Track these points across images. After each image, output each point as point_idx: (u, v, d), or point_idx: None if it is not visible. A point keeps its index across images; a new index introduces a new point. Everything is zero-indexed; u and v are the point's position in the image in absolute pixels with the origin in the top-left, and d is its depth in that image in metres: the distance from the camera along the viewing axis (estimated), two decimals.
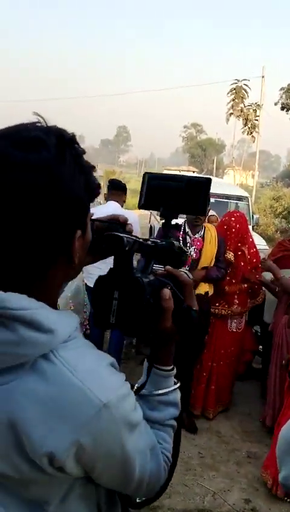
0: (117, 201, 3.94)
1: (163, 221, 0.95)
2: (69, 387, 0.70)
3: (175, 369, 0.92)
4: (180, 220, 3.62)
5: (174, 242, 0.91)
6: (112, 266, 0.83)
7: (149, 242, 0.88)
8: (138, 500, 0.92)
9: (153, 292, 0.81)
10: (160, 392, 0.89)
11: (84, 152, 0.74)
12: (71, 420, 0.70)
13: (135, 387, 0.89)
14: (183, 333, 0.87)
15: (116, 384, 0.74)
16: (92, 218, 0.84)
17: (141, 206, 0.96)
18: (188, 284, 0.88)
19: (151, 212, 11.35)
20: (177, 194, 0.92)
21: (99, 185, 0.78)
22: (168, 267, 0.89)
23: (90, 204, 0.79)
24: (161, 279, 0.85)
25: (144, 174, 0.96)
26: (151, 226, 10.54)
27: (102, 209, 4.00)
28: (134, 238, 0.81)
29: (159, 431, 0.88)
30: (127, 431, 0.75)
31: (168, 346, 0.90)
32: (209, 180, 0.92)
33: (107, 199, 4.21)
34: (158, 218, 8.81)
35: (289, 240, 4.04)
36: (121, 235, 0.79)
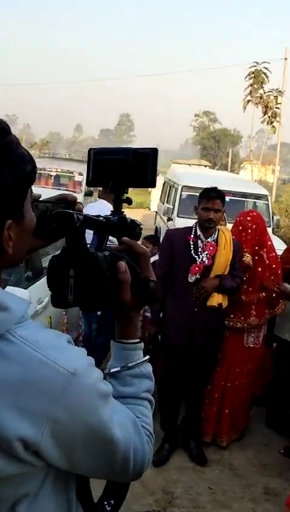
0: (108, 200, 3.95)
1: (114, 196, 1.04)
2: (34, 364, 0.75)
3: (142, 343, 1.01)
4: (191, 222, 3.63)
5: (127, 217, 1.02)
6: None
7: (101, 218, 0.98)
8: (107, 508, 1.00)
9: (109, 266, 0.90)
10: (129, 365, 0.97)
11: (10, 140, 0.80)
12: (41, 396, 0.75)
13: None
14: (143, 304, 0.99)
15: (80, 355, 0.81)
16: (40, 200, 0.96)
17: (89, 183, 1.06)
18: (144, 254, 0.99)
19: (157, 212, 11.39)
20: (124, 168, 1.00)
21: (32, 171, 0.84)
22: (124, 238, 0.99)
23: (83, 204, 0.89)
24: (116, 253, 0.95)
25: (89, 150, 1.05)
26: (157, 227, 10.56)
27: (91, 209, 4.07)
28: (84, 214, 0.90)
29: (136, 405, 0.95)
30: (100, 399, 0.82)
31: (131, 318, 0.99)
32: (155, 151, 1.01)
33: (99, 197, 4.24)
34: (165, 218, 8.87)
35: None
36: (71, 211, 0.87)
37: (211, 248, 3.36)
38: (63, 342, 0.82)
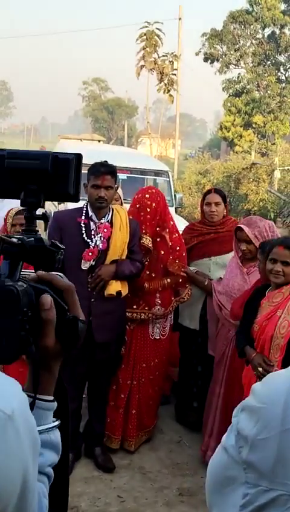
0: None
1: (26, 212, 0.97)
2: None
3: (56, 402, 0.94)
4: (81, 203, 3.64)
5: (43, 237, 0.94)
6: None
7: (14, 239, 0.89)
8: None
9: (29, 303, 0.83)
10: (40, 428, 0.89)
11: None
12: None
13: None
14: (69, 350, 0.91)
15: (17, 389, 0.76)
16: None
17: None
18: (69, 288, 0.92)
19: None
20: (42, 176, 0.93)
21: None
22: (40, 272, 0.91)
23: None
24: (36, 286, 0.87)
25: None
26: (46, 212, 10.41)
27: None
28: None
29: (38, 481, 0.87)
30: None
31: (50, 369, 0.93)
32: (79, 157, 0.95)
33: None
34: (56, 202, 8.80)
35: (198, 223, 4.27)
36: None
37: (105, 230, 3.40)
38: None
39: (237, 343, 3.16)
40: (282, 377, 0.93)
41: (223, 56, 30.13)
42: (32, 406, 0.89)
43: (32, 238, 0.91)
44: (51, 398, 0.93)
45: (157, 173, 9.32)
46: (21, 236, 0.91)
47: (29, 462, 0.74)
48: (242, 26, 29.34)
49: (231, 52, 30.08)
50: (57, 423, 0.94)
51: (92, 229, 3.40)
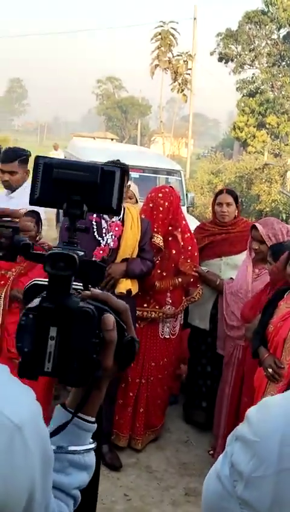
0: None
1: (68, 223, 0.95)
2: None
3: (96, 424, 0.93)
4: None
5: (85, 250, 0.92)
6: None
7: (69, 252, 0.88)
8: None
9: (98, 323, 0.82)
10: (76, 448, 0.89)
11: None
12: None
13: None
14: (123, 370, 0.91)
15: (28, 398, 0.74)
16: None
17: (35, 202, 0.93)
18: (126, 308, 0.91)
19: None
20: (89, 189, 0.90)
21: None
22: (95, 290, 0.89)
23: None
24: (97, 305, 0.85)
25: (37, 158, 0.93)
26: (59, 211, 10.45)
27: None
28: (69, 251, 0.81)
29: (60, 501, 0.86)
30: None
31: (100, 390, 0.91)
32: (122, 170, 0.94)
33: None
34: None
35: (209, 223, 4.26)
36: (70, 253, 0.79)
37: (116, 228, 3.41)
38: (4, 377, 0.73)
39: (252, 343, 3.16)
40: (277, 408, 0.87)
41: (238, 56, 30.01)
42: (67, 423, 0.88)
43: (83, 253, 0.88)
44: (93, 419, 0.92)
45: (170, 172, 9.30)
46: (76, 249, 0.88)
47: (37, 476, 0.73)
48: (257, 27, 29.19)
49: (246, 53, 29.95)
50: (93, 445, 0.92)
51: (104, 227, 3.42)
